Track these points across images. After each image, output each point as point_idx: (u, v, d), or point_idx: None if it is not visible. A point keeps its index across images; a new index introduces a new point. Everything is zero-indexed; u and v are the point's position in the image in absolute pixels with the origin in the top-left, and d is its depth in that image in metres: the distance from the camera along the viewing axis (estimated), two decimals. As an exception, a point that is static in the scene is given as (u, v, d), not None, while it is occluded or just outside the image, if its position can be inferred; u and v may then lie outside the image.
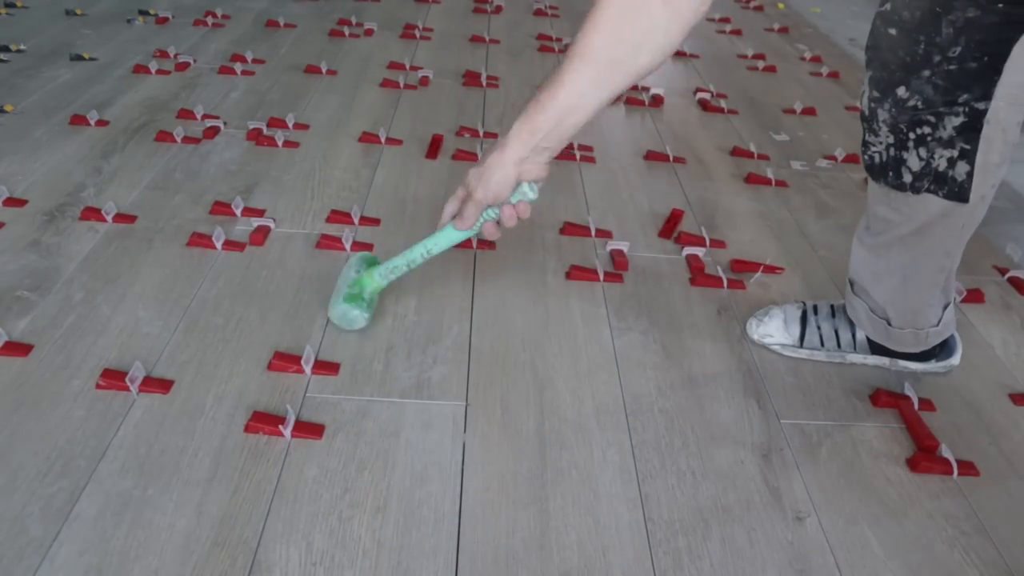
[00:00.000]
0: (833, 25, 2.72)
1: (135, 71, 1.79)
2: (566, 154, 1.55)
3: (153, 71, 1.79)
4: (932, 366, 1.05)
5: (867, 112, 0.88)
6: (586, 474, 0.86)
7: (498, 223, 0.90)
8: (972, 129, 0.81)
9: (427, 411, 0.92)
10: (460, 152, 1.53)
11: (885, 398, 0.99)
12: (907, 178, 0.87)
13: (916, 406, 0.98)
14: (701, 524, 0.81)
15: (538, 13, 2.51)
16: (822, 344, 1.05)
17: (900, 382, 1.03)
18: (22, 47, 1.88)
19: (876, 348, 1.04)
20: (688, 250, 1.25)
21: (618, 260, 1.22)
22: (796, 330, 1.06)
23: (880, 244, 0.95)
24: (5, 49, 1.85)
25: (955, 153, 0.83)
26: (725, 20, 2.59)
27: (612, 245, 1.25)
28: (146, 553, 0.73)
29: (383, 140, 1.56)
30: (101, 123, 1.54)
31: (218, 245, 1.18)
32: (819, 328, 1.06)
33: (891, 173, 0.88)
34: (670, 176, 1.53)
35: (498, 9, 2.52)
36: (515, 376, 0.99)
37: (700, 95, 1.91)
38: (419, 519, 0.79)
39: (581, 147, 1.58)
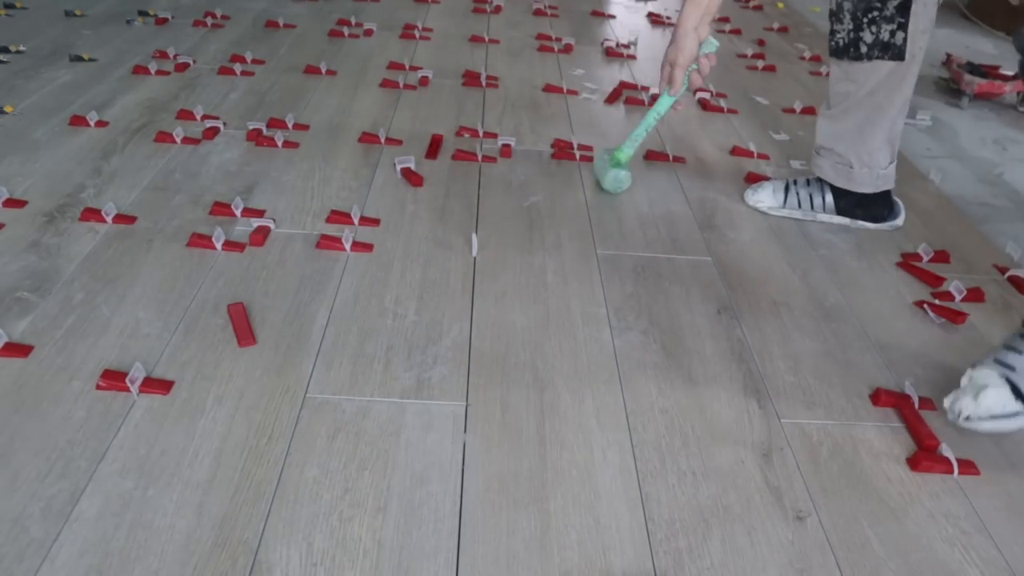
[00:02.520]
0: (833, 24, 2.71)
1: (135, 72, 1.79)
2: (566, 153, 1.55)
3: (153, 72, 1.79)
4: (883, 226, 1.38)
5: (834, 7, 1.25)
6: (586, 474, 0.86)
7: (699, 73, 1.26)
8: (904, 7, 1.18)
9: (427, 411, 0.92)
10: (460, 152, 1.53)
11: (885, 397, 0.99)
12: (863, 50, 1.22)
13: (916, 405, 0.98)
14: (702, 524, 0.82)
15: (537, 13, 2.51)
16: (799, 206, 1.39)
17: (900, 382, 1.03)
18: (22, 48, 1.88)
19: (840, 210, 1.38)
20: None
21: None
22: (780, 196, 1.40)
23: (840, 112, 1.31)
24: (5, 50, 1.85)
25: (895, 26, 1.19)
26: (725, 20, 2.59)
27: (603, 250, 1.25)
28: (147, 554, 0.73)
29: (383, 140, 1.56)
30: (101, 124, 1.54)
31: (218, 246, 1.18)
32: (798, 194, 1.39)
33: (852, 49, 1.23)
34: (670, 176, 1.53)
35: (498, 9, 2.52)
36: (515, 376, 0.99)
37: (700, 95, 1.91)
38: (419, 519, 0.79)
39: (581, 147, 1.58)
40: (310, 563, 0.74)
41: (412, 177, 1.42)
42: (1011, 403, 0.91)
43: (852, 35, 1.22)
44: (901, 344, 1.11)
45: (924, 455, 0.91)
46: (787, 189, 1.39)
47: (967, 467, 0.91)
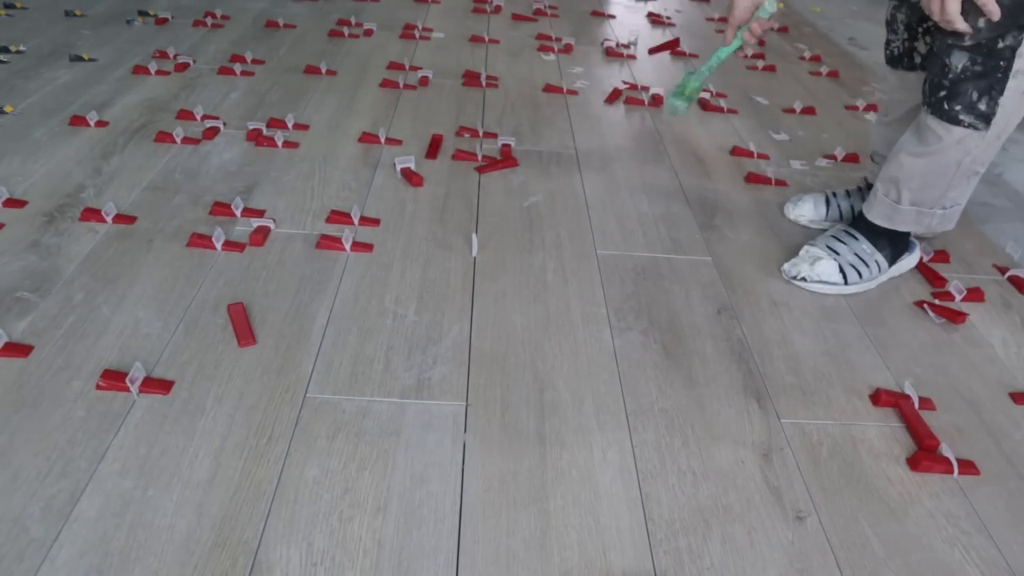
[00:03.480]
0: (833, 24, 2.72)
1: (135, 72, 1.79)
2: (567, 154, 1.55)
3: (153, 72, 1.79)
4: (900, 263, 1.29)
5: (889, 17, 1.24)
6: (586, 474, 0.86)
7: (751, 32, 1.25)
8: None
9: (427, 411, 0.92)
10: (460, 152, 1.53)
11: (885, 397, 0.99)
12: (917, 60, 1.21)
13: (916, 405, 0.98)
14: (702, 524, 0.82)
15: (538, 13, 2.51)
16: (841, 217, 1.38)
17: (900, 382, 1.03)
18: (22, 48, 1.88)
19: None
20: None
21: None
22: (823, 209, 1.39)
23: (895, 120, 1.29)
24: (5, 50, 1.85)
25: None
26: (724, 20, 2.59)
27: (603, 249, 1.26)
28: (147, 554, 0.73)
29: (383, 140, 1.56)
30: (101, 124, 1.54)
31: (218, 246, 1.18)
32: (839, 206, 1.38)
33: (906, 59, 1.22)
34: (670, 176, 1.53)
35: (497, 9, 2.52)
36: (515, 376, 0.99)
37: (699, 95, 1.91)
38: (419, 519, 0.79)
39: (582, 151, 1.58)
40: (310, 563, 0.74)
41: (412, 177, 1.42)
42: (835, 275, 1.19)
43: (907, 46, 1.22)
44: (901, 344, 1.11)
45: (924, 455, 0.91)
46: (827, 202, 1.39)
47: (967, 467, 0.91)
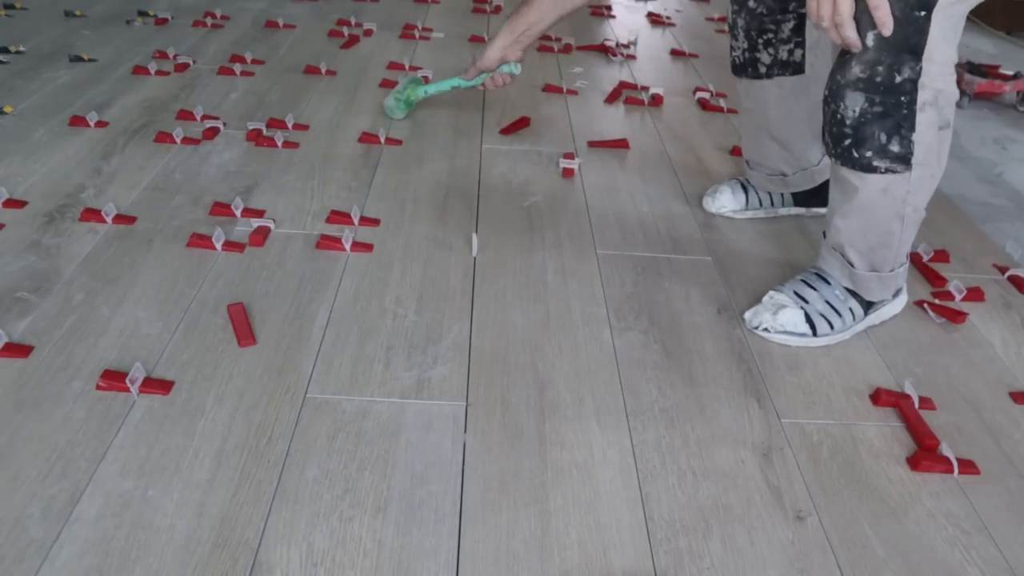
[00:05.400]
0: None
1: (134, 72, 1.79)
2: (566, 154, 1.55)
3: (152, 72, 1.79)
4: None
5: (730, 22, 1.21)
6: (586, 474, 0.86)
7: (492, 81, 1.48)
8: (800, 26, 1.15)
9: (427, 411, 0.92)
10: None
11: (885, 397, 0.99)
12: (762, 70, 1.20)
13: (916, 405, 0.98)
14: (702, 524, 0.82)
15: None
16: (760, 204, 1.37)
17: (900, 382, 1.03)
18: (21, 48, 1.88)
19: (798, 202, 1.37)
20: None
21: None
22: (742, 198, 1.37)
23: (749, 130, 1.32)
24: (4, 51, 1.85)
25: (792, 46, 1.17)
26: (724, 19, 2.59)
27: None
28: (147, 554, 0.73)
29: (383, 140, 1.56)
30: (100, 124, 1.54)
31: (218, 246, 1.18)
32: (757, 194, 1.37)
33: (750, 68, 1.21)
34: (670, 176, 1.53)
35: (497, 9, 2.52)
36: (515, 376, 0.99)
37: (699, 95, 1.91)
38: (420, 519, 0.79)
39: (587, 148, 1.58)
40: (310, 563, 0.74)
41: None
42: (802, 325, 1.08)
43: (747, 56, 1.20)
44: (901, 344, 1.11)
45: (924, 455, 0.91)
46: (744, 188, 1.37)
47: (967, 467, 0.91)
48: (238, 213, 1.26)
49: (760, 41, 1.16)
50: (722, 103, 1.88)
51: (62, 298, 1.05)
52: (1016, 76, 2.10)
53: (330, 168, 1.45)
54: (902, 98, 0.91)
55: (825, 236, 1.10)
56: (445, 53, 2.09)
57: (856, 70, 0.91)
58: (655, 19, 2.55)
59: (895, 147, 0.94)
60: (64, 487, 0.79)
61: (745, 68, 1.22)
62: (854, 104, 0.93)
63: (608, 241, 1.29)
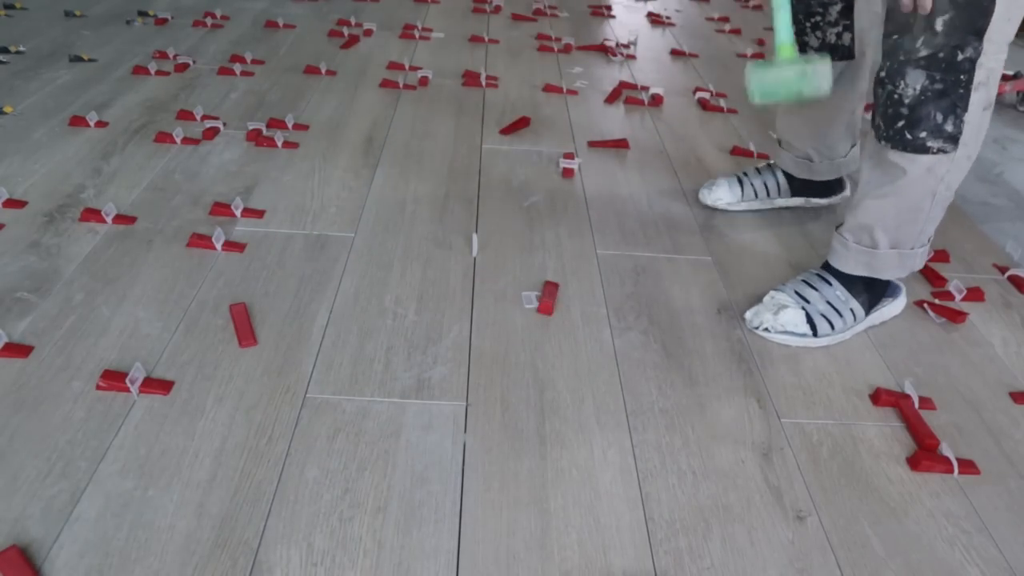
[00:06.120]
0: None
1: (134, 72, 1.79)
2: (566, 154, 1.55)
3: (152, 72, 1.79)
4: (834, 199, 1.42)
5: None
6: (586, 474, 0.86)
7: None
8: (848, 9, 1.14)
9: (427, 411, 0.92)
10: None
11: (885, 397, 0.99)
12: (809, 53, 1.19)
13: (916, 405, 0.98)
14: (702, 523, 0.82)
15: (537, 13, 2.51)
16: (756, 195, 1.39)
17: (900, 382, 1.03)
18: (21, 48, 1.88)
19: (795, 191, 1.40)
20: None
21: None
22: (737, 190, 1.39)
23: (797, 107, 1.28)
24: (4, 51, 1.85)
25: (840, 29, 1.16)
26: (724, 19, 2.59)
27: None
28: (147, 554, 0.73)
29: (383, 140, 1.55)
30: (100, 124, 1.54)
31: (218, 246, 1.18)
32: (752, 184, 1.39)
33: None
34: (670, 176, 1.53)
35: (497, 9, 2.52)
36: (515, 376, 0.99)
37: (700, 94, 1.91)
38: (420, 519, 0.79)
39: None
40: (310, 563, 0.74)
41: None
42: (803, 325, 1.08)
43: (797, 38, 1.16)
44: (901, 344, 1.11)
45: (924, 455, 0.91)
46: (740, 182, 1.40)
47: (967, 467, 0.91)
48: (238, 213, 1.26)
49: (808, 24, 1.17)
50: (722, 103, 1.88)
51: (62, 298, 1.05)
52: (1016, 76, 2.10)
53: (330, 168, 1.45)
54: (961, 76, 0.92)
55: (839, 228, 1.11)
56: (445, 53, 2.09)
57: (921, 49, 0.92)
58: (655, 19, 2.55)
59: (949, 127, 0.95)
60: (64, 487, 0.79)
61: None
62: (915, 82, 0.94)
63: (608, 241, 1.29)
